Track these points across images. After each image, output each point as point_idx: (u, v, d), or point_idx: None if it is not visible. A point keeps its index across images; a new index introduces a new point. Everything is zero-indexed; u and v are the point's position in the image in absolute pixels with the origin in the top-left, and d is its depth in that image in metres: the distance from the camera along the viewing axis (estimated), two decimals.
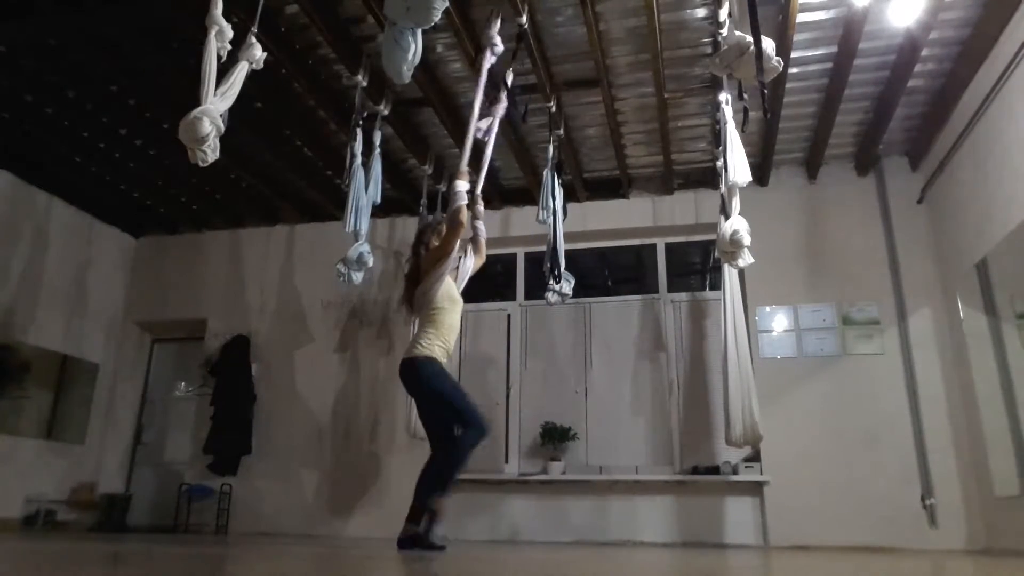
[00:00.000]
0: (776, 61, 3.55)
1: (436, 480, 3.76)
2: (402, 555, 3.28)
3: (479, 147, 4.22)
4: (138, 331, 7.86)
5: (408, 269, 4.17)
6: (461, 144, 5.96)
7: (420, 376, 3.83)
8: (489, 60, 4.17)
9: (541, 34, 4.89)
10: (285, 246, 7.53)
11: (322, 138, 6.15)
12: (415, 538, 3.62)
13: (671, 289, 6.72)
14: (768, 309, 6.16)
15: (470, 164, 4.09)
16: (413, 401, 5.95)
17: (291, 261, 7.46)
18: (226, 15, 3.54)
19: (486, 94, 4.25)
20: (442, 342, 3.89)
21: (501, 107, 4.32)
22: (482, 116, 4.28)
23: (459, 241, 3.92)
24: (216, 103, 3.42)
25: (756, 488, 5.75)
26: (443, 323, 3.91)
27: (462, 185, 3.87)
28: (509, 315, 6.91)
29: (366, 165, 5.19)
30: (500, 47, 4.17)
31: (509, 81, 4.50)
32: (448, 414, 3.86)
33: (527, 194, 6.73)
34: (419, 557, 3.09)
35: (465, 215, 3.84)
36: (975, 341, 5.25)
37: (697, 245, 6.96)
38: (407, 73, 3.72)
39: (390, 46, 3.62)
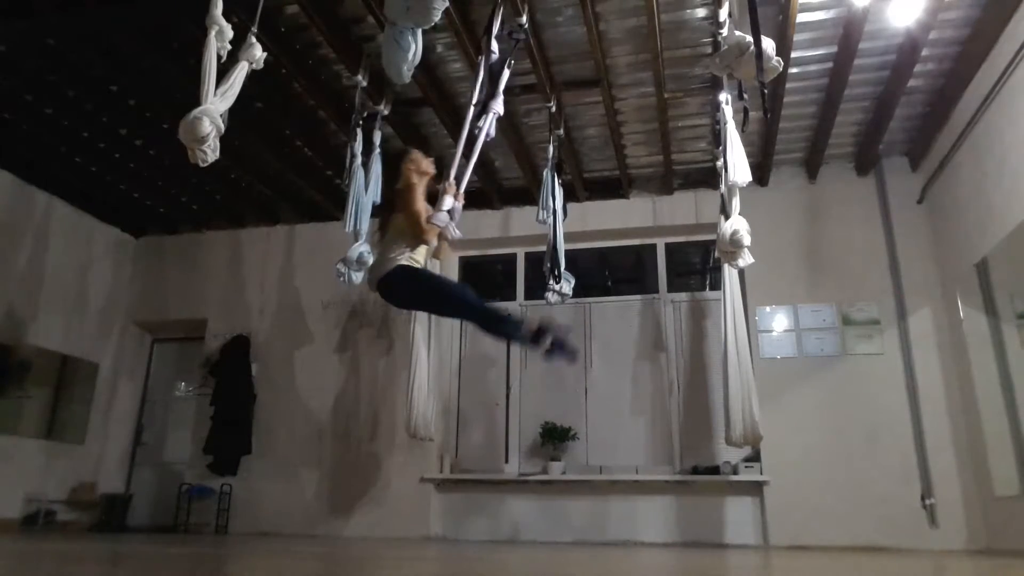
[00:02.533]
0: (776, 61, 3.56)
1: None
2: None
3: (471, 143, 4.05)
4: (138, 331, 7.86)
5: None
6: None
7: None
8: (490, 59, 4.09)
9: (541, 34, 4.89)
10: (285, 246, 7.52)
11: (322, 138, 6.15)
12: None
13: (671, 289, 6.73)
14: (768, 309, 6.16)
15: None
16: (413, 400, 5.98)
17: (291, 261, 7.46)
18: (226, 15, 3.54)
19: (485, 91, 4.12)
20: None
21: (498, 102, 4.19)
22: (480, 113, 4.14)
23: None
24: (216, 103, 3.42)
25: (756, 488, 5.75)
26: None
27: (448, 203, 3.64)
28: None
29: (366, 165, 5.18)
30: (497, 52, 4.09)
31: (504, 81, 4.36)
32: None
33: (527, 194, 6.73)
34: (419, 556, 3.09)
35: (435, 238, 3.63)
36: (975, 341, 5.25)
37: (697, 245, 6.96)
38: (407, 73, 3.72)
39: (390, 46, 3.62)
